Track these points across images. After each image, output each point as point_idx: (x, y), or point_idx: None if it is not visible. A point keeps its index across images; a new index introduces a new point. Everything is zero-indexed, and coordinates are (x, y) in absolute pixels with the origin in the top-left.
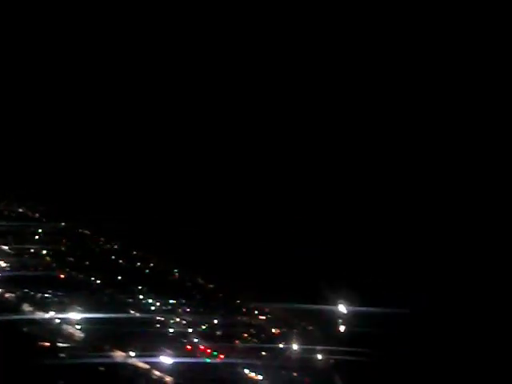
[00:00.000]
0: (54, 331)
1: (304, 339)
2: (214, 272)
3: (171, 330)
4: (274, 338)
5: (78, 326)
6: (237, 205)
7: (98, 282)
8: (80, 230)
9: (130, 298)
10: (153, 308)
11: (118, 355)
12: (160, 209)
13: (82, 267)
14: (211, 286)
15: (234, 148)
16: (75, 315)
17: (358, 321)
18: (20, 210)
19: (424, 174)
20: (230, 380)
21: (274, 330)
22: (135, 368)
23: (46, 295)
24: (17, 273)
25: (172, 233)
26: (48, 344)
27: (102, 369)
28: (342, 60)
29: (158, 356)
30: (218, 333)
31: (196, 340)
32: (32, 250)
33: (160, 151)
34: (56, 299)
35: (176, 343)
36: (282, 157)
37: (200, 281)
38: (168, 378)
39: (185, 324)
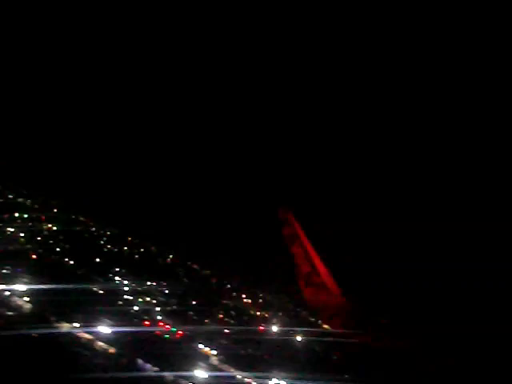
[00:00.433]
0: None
1: (290, 322)
2: (216, 259)
3: (136, 308)
4: (255, 320)
5: (27, 298)
6: (225, 191)
7: (72, 262)
8: (73, 216)
9: (103, 278)
10: (126, 288)
11: (63, 326)
12: (151, 196)
13: (63, 250)
14: (207, 272)
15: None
16: (23, 287)
17: None
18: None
19: None
20: (179, 353)
21: (258, 313)
22: (79, 338)
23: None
24: None
25: (168, 221)
26: None
27: (45, 338)
28: (342, 60)
29: (105, 328)
30: (190, 313)
31: (160, 317)
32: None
33: (143, 140)
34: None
35: (135, 319)
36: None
37: (195, 267)
38: (111, 349)
39: (155, 303)
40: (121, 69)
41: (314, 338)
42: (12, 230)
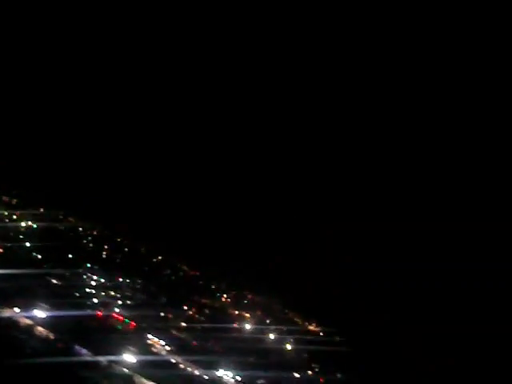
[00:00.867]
0: None
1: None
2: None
3: (95, 300)
4: (230, 319)
5: None
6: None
7: (40, 257)
8: (60, 216)
9: (70, 272)
10: (93, 283)
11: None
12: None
13: (35, 246)
14: (192, 272)
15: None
16: None
17: None
18: None
19: None
20: (124, 342)
21: (237, 312)
22: (18, 323)
23: None
24: None
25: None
26: None
27: None
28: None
29: (46, 313)
30: (154, 308)
31: (117, 310)
32: None
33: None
34: None
35: (89, 309)
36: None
37: (182, 267)
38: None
39: (119, 297)
40: (118, 69)
41: (287, 336)
42: None
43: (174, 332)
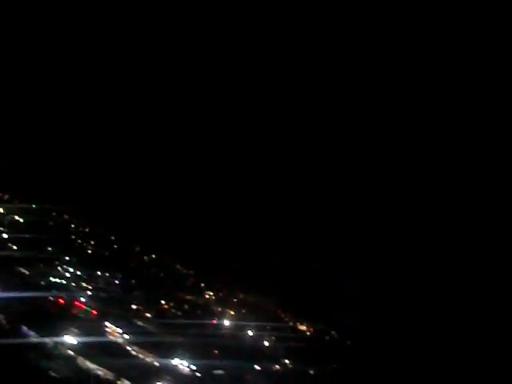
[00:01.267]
0: None
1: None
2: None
3: (62, 289)
4: (210, 315)
5: None
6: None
7: (15, 247)
8: (54, 212)
9: (43, 264)
10: (68, 275)
11: None
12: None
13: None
14: (185, 270)
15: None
16: None
17: None
18: None
19: None
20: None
21: (219, 309)
22: None
23: None
24: None
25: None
26: None
27: None
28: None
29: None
30: (124, 301)
31: (83, 299)
32: None
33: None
34: None
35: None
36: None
37: (173, 265)
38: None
39: (90, 289)
40: (118, 69)
41: (268, 333)
42: None
43: (139, 323)
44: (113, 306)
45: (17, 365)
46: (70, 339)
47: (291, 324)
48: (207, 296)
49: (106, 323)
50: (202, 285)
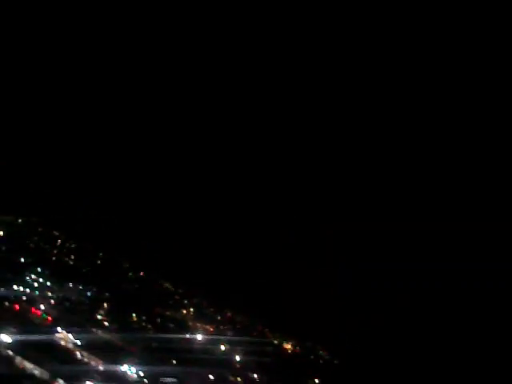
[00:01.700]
0: None
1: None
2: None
3: (24, 298)
4: (183, 329)
5: None
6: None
7: None
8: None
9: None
10: (36, 284)
11: None
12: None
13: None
14: (172, 287)
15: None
16: None
17: None
18: None
19: None
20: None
21: (198, 325)
22: None
23: None
24: None
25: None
26: None
27: None
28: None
29: None
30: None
31: (42, 307)
32: None
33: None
34: None
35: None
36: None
37: (159, 282)
38: None
39: (54, 298)
40: (118, 69)
41: (239, 348)
42: None
43: (94, 330)
44: (73, 315)
45: None
46: (7, 338)
47: (274, 341)
48: (187, 311)
49: (58, 328)
50: (185, 301)
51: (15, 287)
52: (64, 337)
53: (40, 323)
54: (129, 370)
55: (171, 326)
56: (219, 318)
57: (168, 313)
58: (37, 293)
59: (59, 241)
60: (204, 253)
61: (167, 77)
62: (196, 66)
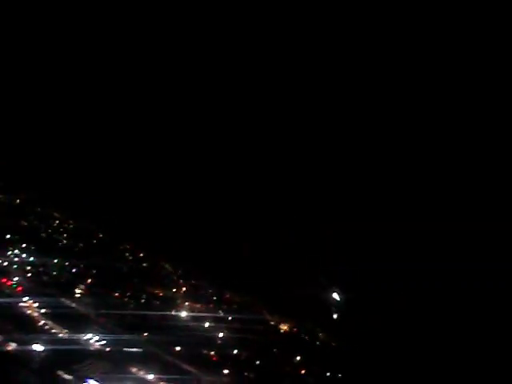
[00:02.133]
0: None
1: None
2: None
3: None
4: (168, 306)
5: None
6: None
7: None
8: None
9: None
10: (16, 259)
11: None
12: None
13: None
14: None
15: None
16: None
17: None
18: None
19: None
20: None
21: (186, 303)
22: None
23: None
24: None
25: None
26: None
27: None
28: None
29: None
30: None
31: (15, 279)
32: None
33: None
34: None
35: None
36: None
37: (156, 262)
38: None
39: (32, 271)
40: (118, 69)
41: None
42: None
43: (63, 300)
44: (47, 287)
45: None
46: None
47: (271, 323)
48: (181, 291)
49: (25, 298)
50: (181, 281)
51: None
52: (29, 305)
53: (9, 293)
54: (91, 338)
55: (156, 303)
56: (212, 297)
57: (156, 291)
58: (15, 266)
59: (42, 216)
60: (204, 252)
61: (167, 77)
62: (196, 67)
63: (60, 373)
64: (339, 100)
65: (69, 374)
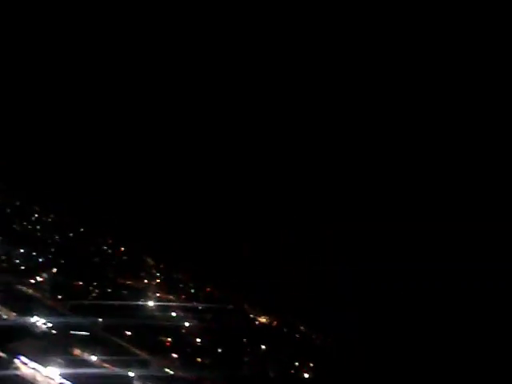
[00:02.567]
0: None
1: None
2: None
3: None
4: (137, 297)
5: None
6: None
7: None
8: None
9: None
10: None
11: None
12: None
13: None
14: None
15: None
16: None
17: None
18: None
19: None
20: None
21: (158, 295)
22: None
23: None
24: None
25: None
26: None
27: None
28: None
29: None
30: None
31: None
32: None
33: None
34: None
35: None
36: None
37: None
38: None
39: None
40: (118, 70)
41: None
42: None
43: (20, 287)
44: (3, 275)
45: None
46: None
47: (250, 315)
48: (151, 282)
49: None
50: (158, 274)
51: None
52: None
53: None
54: (38, 321)
55: (123, 293)
56: (189, 290)
57: (127, 282)
58: None
59: (20, 209)
60: (203, 252)
61: (166, 77)
62: (195, 67)
63: None
64: (339, 101)
65: (2, 352)
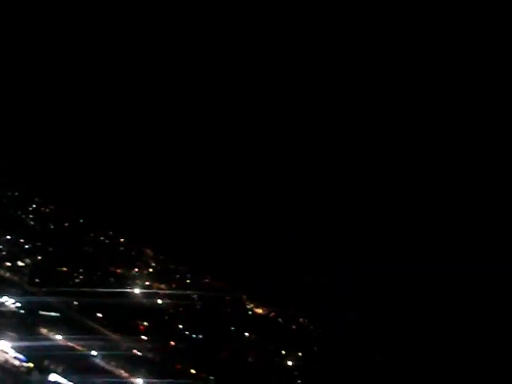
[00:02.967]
0: None
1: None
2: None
3: None
4: (123, 284)
5: None
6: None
7: None
8: None
9: None
10: None
11: None
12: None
13: None
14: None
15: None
16: None
17: None
18: None
19: None
20: None
21: (147, 283)
22: None
23: None
24: None
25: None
26: None
27: None
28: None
29: None
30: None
31: None
32: None
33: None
34: None
35: None
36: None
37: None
38: None
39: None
40: (118, 70)
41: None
42: None
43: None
44: None
45: None
46: None
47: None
48: (142, 271)
49: None
50: (153, 263)
51: None
52: None
53: None
54: (7, 301)
55: (110, 279)
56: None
57: (117, 270)
58: None
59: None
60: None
61: (167, 77)
62: (195, 67)
63: None
64: (339, 100)
65: None
